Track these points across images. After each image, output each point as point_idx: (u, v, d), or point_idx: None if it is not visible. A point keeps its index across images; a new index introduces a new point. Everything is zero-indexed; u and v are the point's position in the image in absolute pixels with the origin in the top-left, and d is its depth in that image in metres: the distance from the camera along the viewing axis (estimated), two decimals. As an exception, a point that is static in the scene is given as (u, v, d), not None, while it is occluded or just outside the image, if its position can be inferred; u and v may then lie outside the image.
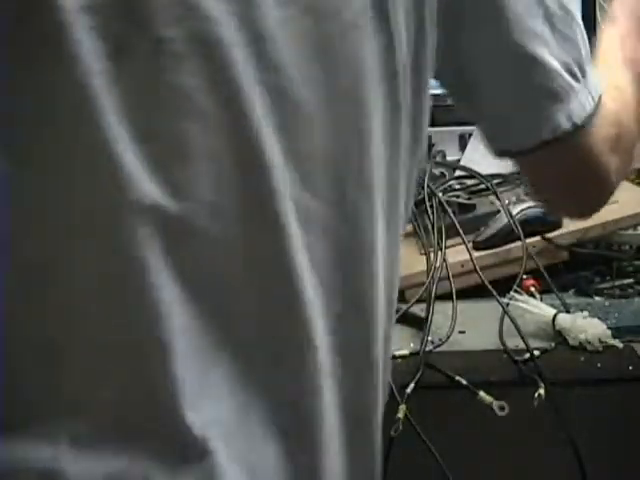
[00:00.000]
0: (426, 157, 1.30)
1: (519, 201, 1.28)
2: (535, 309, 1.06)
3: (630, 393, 0.99)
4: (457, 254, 1.19)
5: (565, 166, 0.68)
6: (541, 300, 1.13)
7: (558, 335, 1.03)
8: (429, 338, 1.02)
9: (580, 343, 1.00)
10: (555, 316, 1.03)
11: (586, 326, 1.01)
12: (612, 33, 0.75)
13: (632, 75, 0.73)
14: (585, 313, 1.05)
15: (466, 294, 1.13)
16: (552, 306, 1.11)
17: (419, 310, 1.09)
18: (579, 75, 0.64)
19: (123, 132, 0.48)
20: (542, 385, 0.92)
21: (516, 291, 1.08)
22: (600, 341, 0.99)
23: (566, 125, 0.64)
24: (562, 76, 0.63)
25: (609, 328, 1.01)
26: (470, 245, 1.20)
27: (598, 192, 0.72)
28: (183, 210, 0.50)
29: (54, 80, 0.48)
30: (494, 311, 1.06)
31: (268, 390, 0.53)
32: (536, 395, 0.91)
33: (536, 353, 0.98)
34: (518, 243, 1.19)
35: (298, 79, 0.52)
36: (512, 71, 0.64)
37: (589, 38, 0.67)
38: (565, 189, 0.71)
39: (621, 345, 0.99)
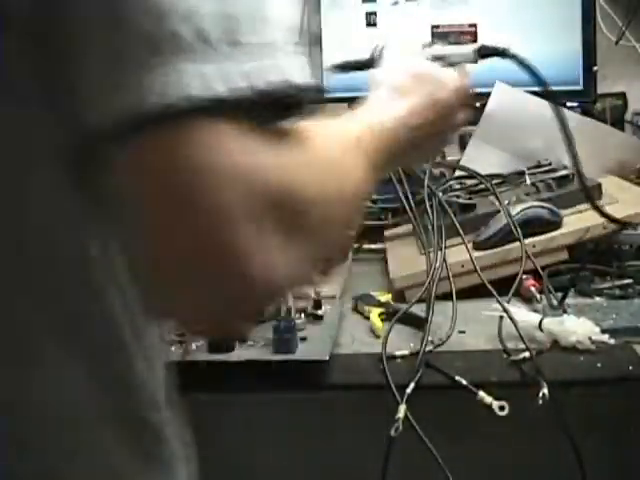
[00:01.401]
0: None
1: (519, 201, 1.28)
2: (522, 317, 1.04)
3: (630, 393, 0.99)
4: (457, 254, 1.19)
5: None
6: (540, 300, 1.13)
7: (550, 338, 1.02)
8: (429, 338, 1.02)
9: (572, 344, 0.99)
10: (541, 322, 1.02)
11: (574, 327, 1.00)
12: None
13: (367, 164, 0.55)
14: (568, 315, 1.04)
15: (466, 294, 1.13)
16: (551, 306, 1.11)
17: (419, 310, 1.09)
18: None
19: None
20: (545, 385, 0.91)
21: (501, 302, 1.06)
22: (591, 340, 0.99)
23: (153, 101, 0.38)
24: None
25: (608, 329, 1.01)
26: (470, 245, 1.20)
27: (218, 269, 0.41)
28: None
29: None
30: (494, 311, 1.06)
31: None
32: (540, 394, 0.91)
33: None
34: (518, 243, 1.19)
35: None
36: None
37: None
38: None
39: (621, 345, 0.99)
